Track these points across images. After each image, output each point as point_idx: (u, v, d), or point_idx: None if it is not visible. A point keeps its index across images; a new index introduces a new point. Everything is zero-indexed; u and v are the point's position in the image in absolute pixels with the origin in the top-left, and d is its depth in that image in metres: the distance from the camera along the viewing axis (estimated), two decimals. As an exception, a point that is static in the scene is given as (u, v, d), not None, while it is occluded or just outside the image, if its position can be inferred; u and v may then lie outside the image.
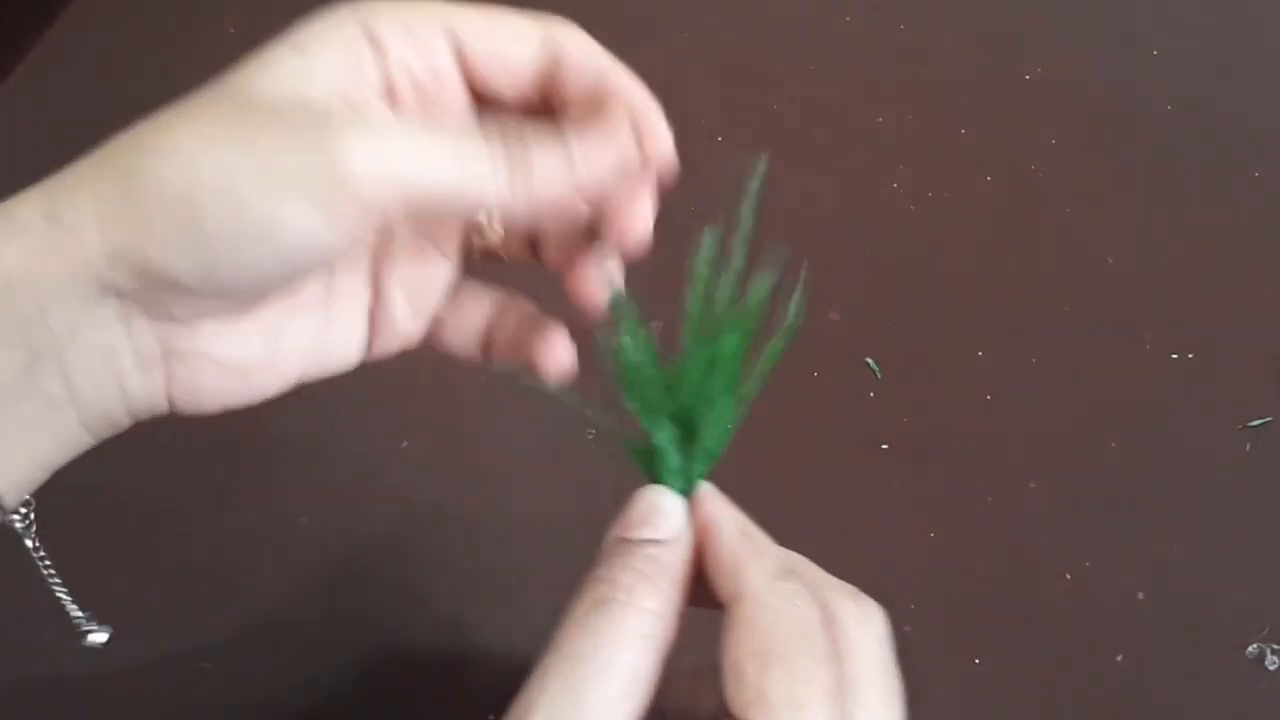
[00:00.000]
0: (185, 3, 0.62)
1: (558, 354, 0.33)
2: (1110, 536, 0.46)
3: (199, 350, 0.28)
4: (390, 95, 0.30)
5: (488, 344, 0.34)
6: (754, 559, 0.28)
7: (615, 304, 0.29)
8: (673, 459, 0.29)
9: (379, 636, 0.42)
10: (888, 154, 0.57)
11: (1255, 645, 0.43)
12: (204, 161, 0.25)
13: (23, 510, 0.29)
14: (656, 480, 0.30)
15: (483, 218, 0.33)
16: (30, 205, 0.26)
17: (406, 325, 0.33)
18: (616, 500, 0.30)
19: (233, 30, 0.60)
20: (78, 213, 0.26)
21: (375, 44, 0.29)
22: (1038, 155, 0.57)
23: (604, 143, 0.28)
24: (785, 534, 0.30)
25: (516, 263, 0.34)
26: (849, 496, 0.46)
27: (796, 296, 0.29)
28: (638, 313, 0.29)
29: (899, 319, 0.51)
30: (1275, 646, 0.43)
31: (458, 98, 0.31)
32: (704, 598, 0.29)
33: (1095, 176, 0.57)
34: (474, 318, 0.34)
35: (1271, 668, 0.42)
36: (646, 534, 0.28)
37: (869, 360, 0.49)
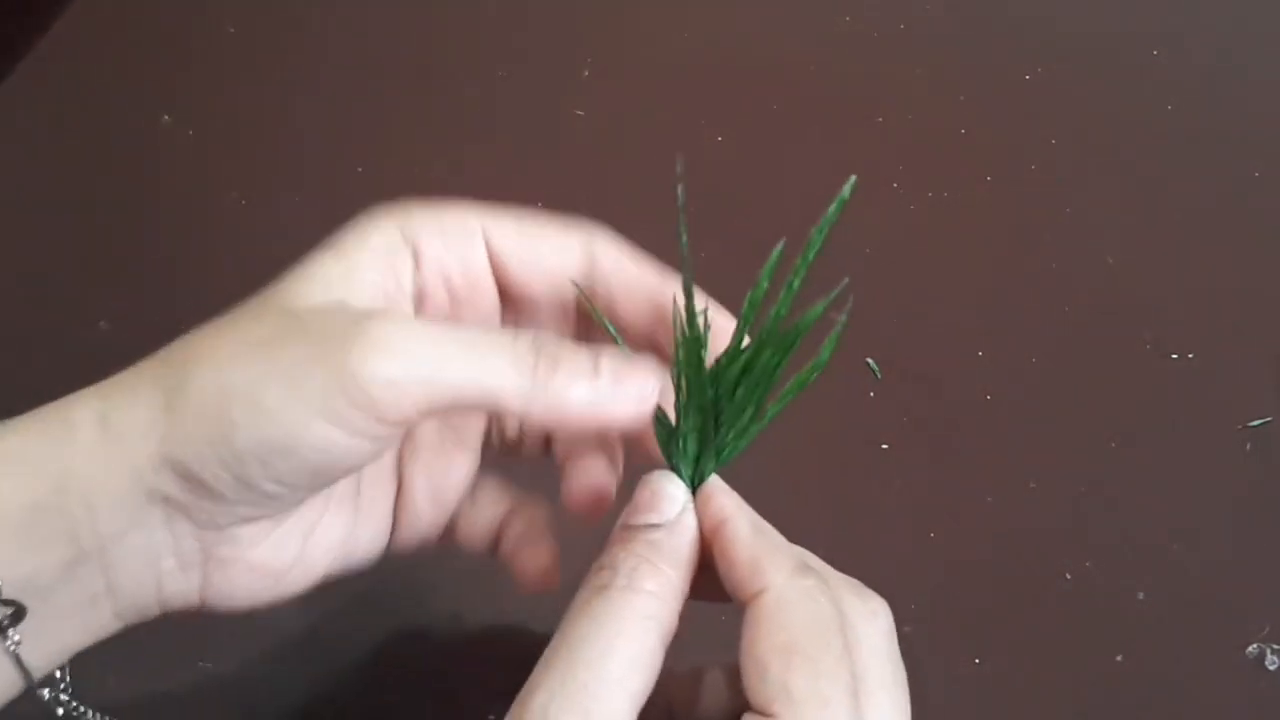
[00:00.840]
0: (185, 3, 0.62)
1: (536, 566, 0.34)
2: (1110, 536, 0.46)
3: (236, 556, 0.29)
4: (421, 298, 0.31)
5: (496, 543, 0.35)
6: (772, 555, 0.28)
7: (688, 296, 0.30)
8: (690, 446, 0.29)
9: (377, 635, 0.42)
10: (888, 154, 0.57)
11: (1255, 645, 0.43)
12: (235, 375, 0.27)
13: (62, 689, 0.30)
14: (670, 464, 0.30)
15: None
16: (85, 406, 0.27)
17: (428, 518, 0.34)
18: (623, 498, 0.30)
19: (233, 30, 0.60)
20: (129, 420, 0.27)
21: (413, 248, 0.30)
22: (1038, 155, 0.57)
23: (631, 384, 0.28)
24: (785, 534, 0.30)
25: (532, 461, 0.35)
26: (849, 496, 0.46)
27: (832, 337, 0.29)
28: (706, 306, 0.30)
29: (899, 319, 0.51)
30: (1275, 646, 0.43)
31: (490, 299, 0.31)
32: (712, 591, 0.29)
33: (1095, 176, 0.57)
34: (487, 514, 0.35)
35: (1271, 668, 0.42)
36: (648, 519, 0.28)
37: (869, 360, 0.49)
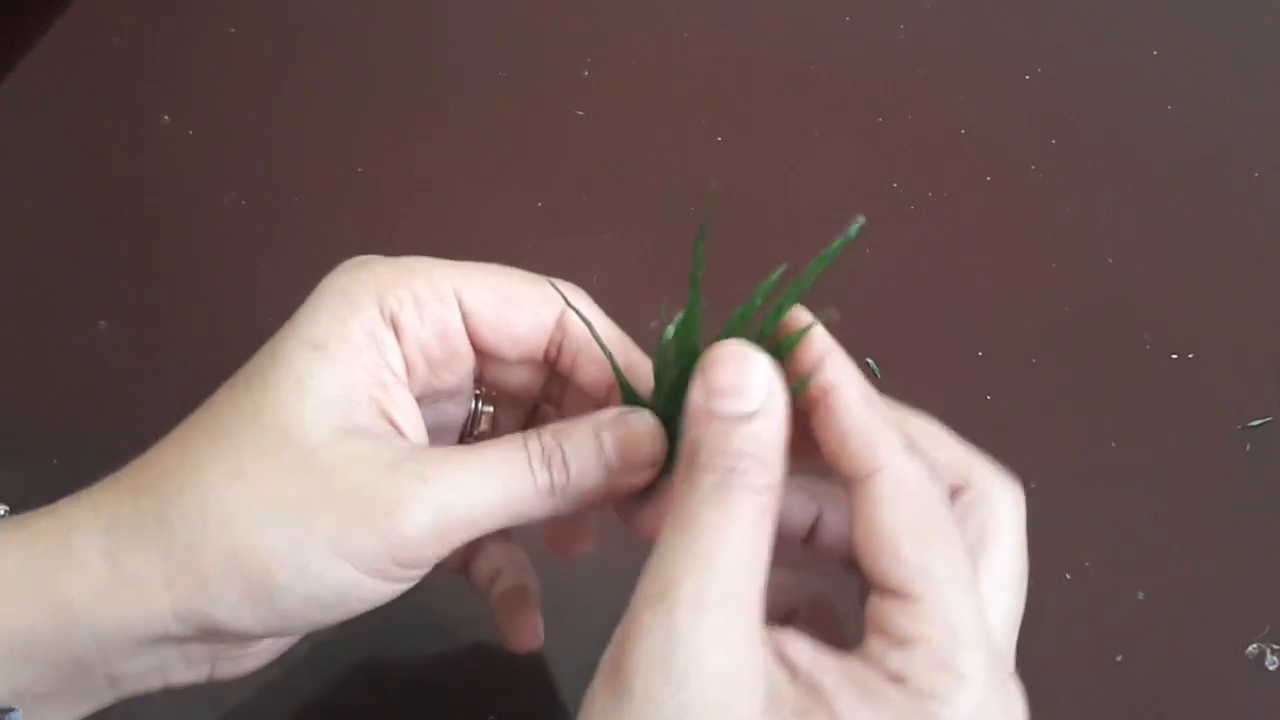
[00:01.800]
0: (185, 4, 0.62)
1: (526, 634, 0.34)
2: (1110, 536, 0.46)
3: (245, 651, 0.30)
4: (408, 372, 0.30)
5: (466, 565, 0.36)
6: (885, 432, 0.27)
7: (693, 298, 0.30)
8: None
9: (376, 635, 0.42)
10: (887, 154, 0.57)
11: (1255, 645, 0.43)
12: (273, 539, 0.27)
13: None
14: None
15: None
16: (87, 536, 0.27)
17: None
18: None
19: (233, 30, 0.60)
20: (144, 570, 0.27)
21: (393, 324, 0.29)
22: (1038, 155, 0.57)
23: (639, 453, 0.29)
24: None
25: None
26: (849, 496, 0.46)
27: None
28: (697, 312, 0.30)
29: (899, 319, 0.51)
30: (1275, 646, 0.43)
31: (466, 360, 0.31)
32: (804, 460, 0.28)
33: (1095, 177, 0.57)
34: (487, 561, 0.36)
35: (1271, 668, 0.42)
36: (738, 406, 0.26)
37: (869, 360, 0.49)
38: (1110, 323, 0.52)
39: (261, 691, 0.40)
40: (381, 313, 0.29)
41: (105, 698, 0.29)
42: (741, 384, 0.26)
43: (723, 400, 0.26)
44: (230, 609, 0.27)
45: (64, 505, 0.28)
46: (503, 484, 0.28)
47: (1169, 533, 0.46)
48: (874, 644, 0.25)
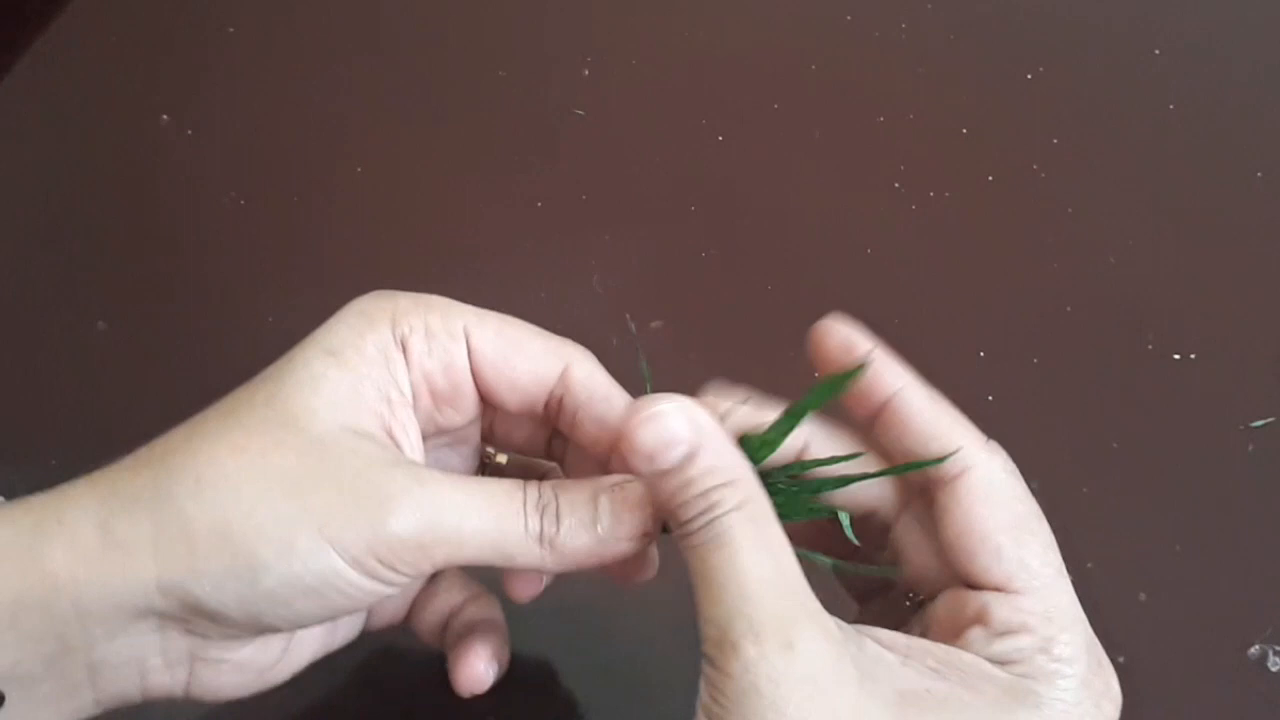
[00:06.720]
0: (185, 3, 0.62)
1: (470, 672, 0.33)
2: (1111, 537, 0.45)
3: (224, 658, 0.30)
4: (414, 399, 0.31)
5: (443, 630, 0.35)
6: (960, 429, 0.29)
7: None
8: None
9: (375, 636, 0.42)
10: (889, 154, 0.56)
11: (1257, 646, 0.43)
12: (263, 512, 0.27)
13: None
14: None
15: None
16: (81, 506, 0.27)
17: (394, 607, 0.35)
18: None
19: (233, 30, 0.60)
20: (133, 535, 0.27)
21: (404, 349, 0.30)
22: (1040, 155, 0.57)
23: (630, 522, 0.29)
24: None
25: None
26: (850, 497, 0.46)
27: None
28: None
29: (900, 319, 0.51)
30: (1278, 647, 0.43)
31: (470, 399, 0.32)
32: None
33: (1097, 176, 0.56)
34: (439, 604, 0.35)
35: (1274, 669, 0.42)
36: (676, 455, 0.27)
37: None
38: (1112, 323, 0.51)
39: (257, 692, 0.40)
40: (394, 334, 0.30)
41: (85, 699, 0.29)
42: (665, 434, 0.27)
43: (659, 458, 0.27)
44: (214, 584, 0.27)
45: (65, 485, 0.28)
46: (495, 515, 0.28)
47: (1171, 534, 0.45)
48: (974, 635, 0.27)
